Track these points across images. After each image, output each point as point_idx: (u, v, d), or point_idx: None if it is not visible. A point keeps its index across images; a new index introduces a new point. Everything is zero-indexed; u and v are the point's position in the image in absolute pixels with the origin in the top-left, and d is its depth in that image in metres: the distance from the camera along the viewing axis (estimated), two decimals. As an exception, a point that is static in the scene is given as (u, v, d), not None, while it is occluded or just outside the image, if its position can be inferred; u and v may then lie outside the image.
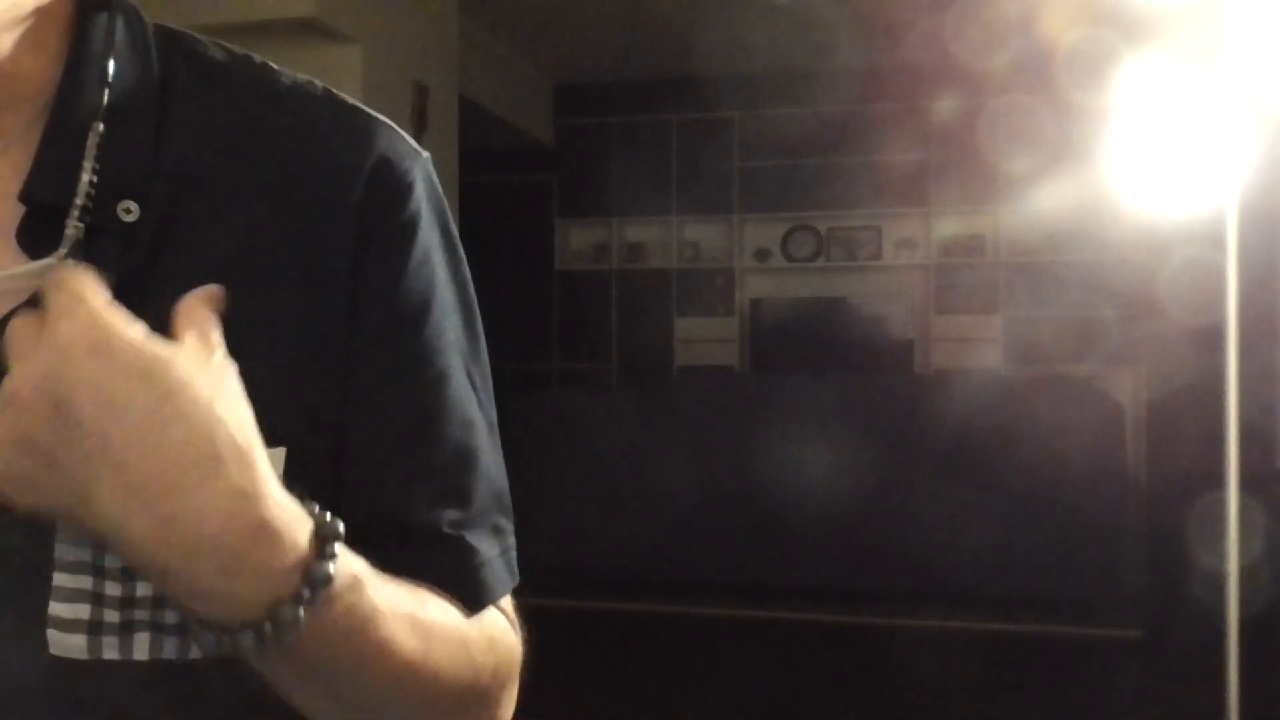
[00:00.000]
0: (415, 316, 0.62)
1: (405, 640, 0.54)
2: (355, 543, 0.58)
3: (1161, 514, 4.95)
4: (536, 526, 5.02)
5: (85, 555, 0.54)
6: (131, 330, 0.46)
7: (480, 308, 0.67)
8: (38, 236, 0.56)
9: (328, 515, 0.50)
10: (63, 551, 0.54)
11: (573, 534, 4.52)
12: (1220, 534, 2.58)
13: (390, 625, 0.53)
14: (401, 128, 0.64)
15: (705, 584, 4.51)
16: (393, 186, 0.61)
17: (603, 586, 4.48)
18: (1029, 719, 3.35)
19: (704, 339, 7.76)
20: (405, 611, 0.55)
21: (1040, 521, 4.15)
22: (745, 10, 6.21)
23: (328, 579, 0.49)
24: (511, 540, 0.66)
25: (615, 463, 4.59)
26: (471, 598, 0.61)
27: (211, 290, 0.50)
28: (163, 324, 0.52)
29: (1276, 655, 3.26)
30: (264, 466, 0.47)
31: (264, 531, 0.47)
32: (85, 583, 0.54)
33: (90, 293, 0.45)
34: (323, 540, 0.49)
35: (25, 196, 0.56)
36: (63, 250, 0.55)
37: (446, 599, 0.59)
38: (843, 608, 4.30)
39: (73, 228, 0.56)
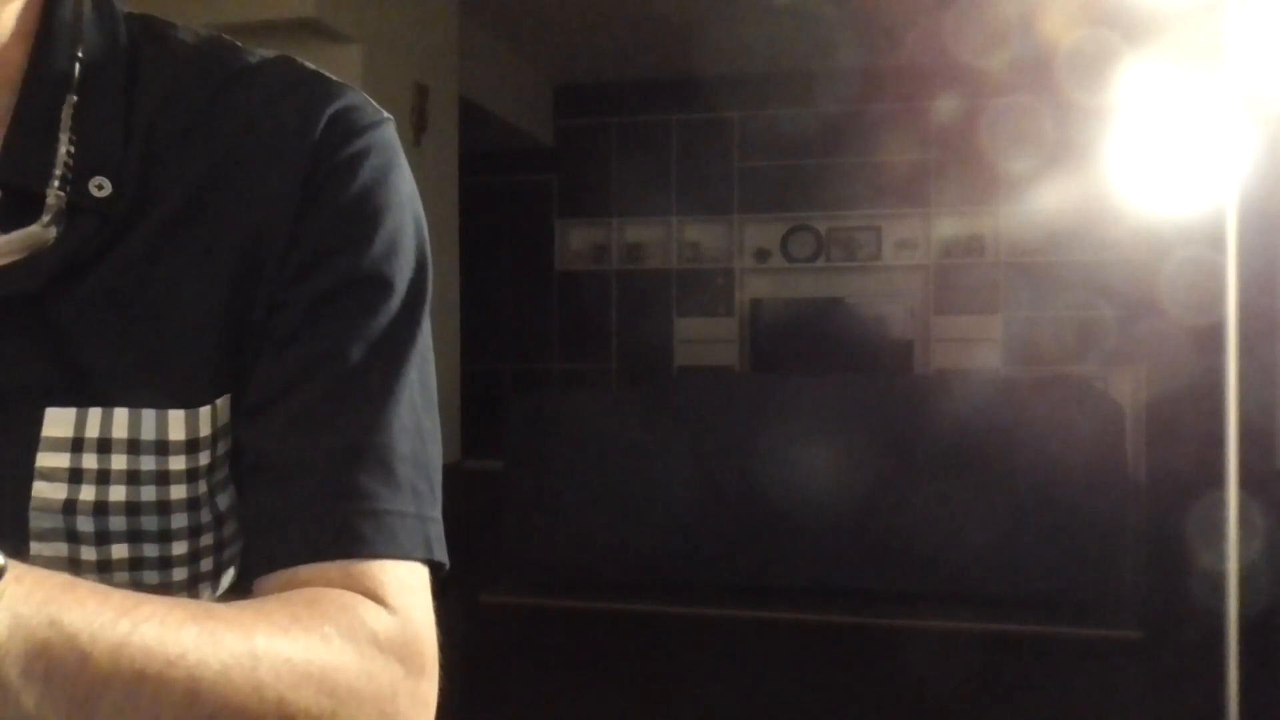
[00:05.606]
0: (344, 251, 0.58)
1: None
2: (251, 478, 0.57)
3: (1161, 514, 4.95)
4: (537, 526, 5.00)
5: (58, 522, 0.54)
6: None
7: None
8: (15, 218, 0.56)
9: None
10: (37, 519, 0.54)
11: (573, 534, 4.52)
12: (1220, 534, 2.58)
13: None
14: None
15: (705, 584, 4.50)
16: (346, 131, 0.60)
17: (603, 586, 4.47)
18: (1029, 719, 3.35)
19: (704, 339, 7.76)
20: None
21: (1040, 521, 4.15)
22: (745, 10, 6.21)
23: None
24: (429, 512, 0.59)
25: (615, 463, 4.59)
26: (344, 540, 0.54)
27: None
28: (137, 295, 0.55)
29: (1276, 655, 3.26)
30: None
31: None
32: (61, 549, 0.54)
33: None
34: None
35: None
36: (45, 218, 0.55)
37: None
38: (843, 608, 4.29)
39: (54, 197, 0.56)
